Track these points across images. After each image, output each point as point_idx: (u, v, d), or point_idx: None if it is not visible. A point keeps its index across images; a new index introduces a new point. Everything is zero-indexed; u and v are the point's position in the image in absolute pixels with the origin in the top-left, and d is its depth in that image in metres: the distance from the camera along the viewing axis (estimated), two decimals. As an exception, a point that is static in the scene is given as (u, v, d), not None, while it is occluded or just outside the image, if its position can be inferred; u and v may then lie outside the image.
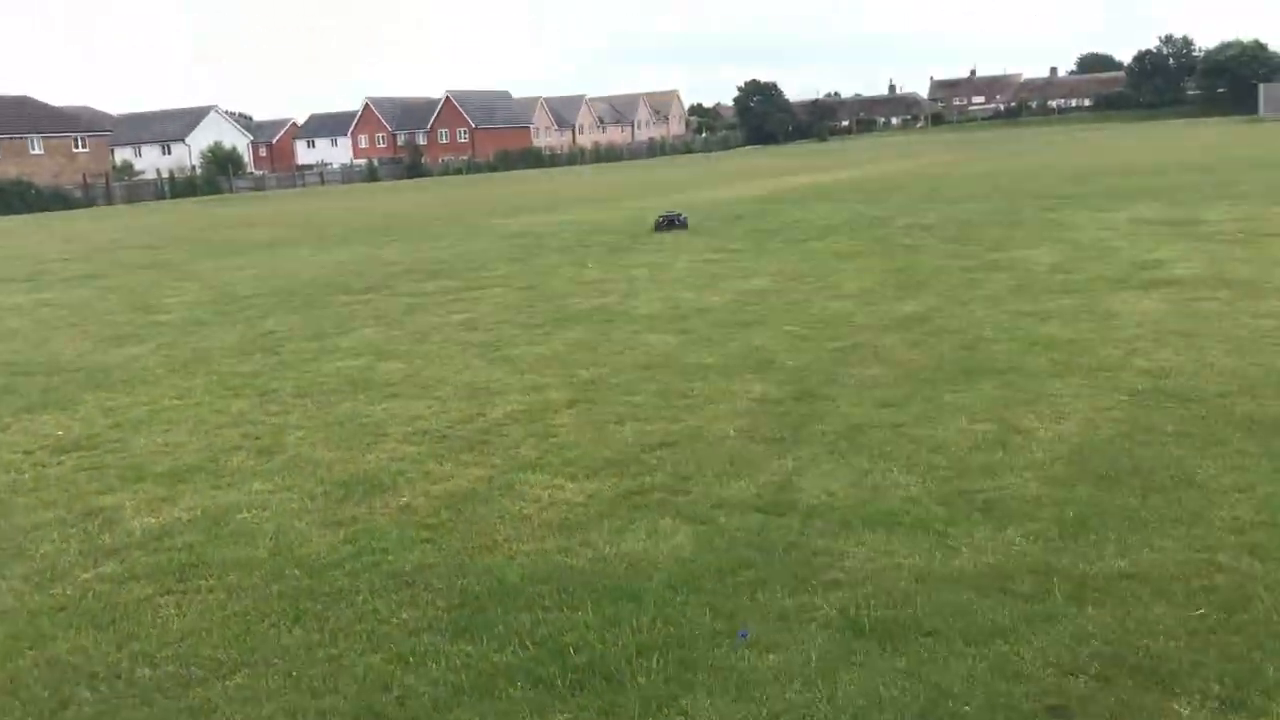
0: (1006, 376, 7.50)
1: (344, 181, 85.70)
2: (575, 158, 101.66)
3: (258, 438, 7.30)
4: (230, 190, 76.99)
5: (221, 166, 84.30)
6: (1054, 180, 26.10)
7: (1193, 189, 20.91)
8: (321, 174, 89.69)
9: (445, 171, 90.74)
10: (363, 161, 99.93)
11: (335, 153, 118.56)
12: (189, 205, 58.08)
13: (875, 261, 13.60)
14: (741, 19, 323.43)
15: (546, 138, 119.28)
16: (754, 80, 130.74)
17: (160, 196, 73.38)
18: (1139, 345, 8.19)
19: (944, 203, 21.38)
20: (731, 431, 6.64)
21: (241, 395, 8.62)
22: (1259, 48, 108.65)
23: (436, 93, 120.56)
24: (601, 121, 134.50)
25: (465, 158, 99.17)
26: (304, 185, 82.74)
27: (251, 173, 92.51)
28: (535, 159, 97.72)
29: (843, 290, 11.67)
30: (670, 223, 20.61)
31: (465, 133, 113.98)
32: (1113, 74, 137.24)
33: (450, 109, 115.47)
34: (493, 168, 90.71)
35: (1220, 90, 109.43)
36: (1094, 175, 26.98)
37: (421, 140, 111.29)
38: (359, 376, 9.02)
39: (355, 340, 10.70)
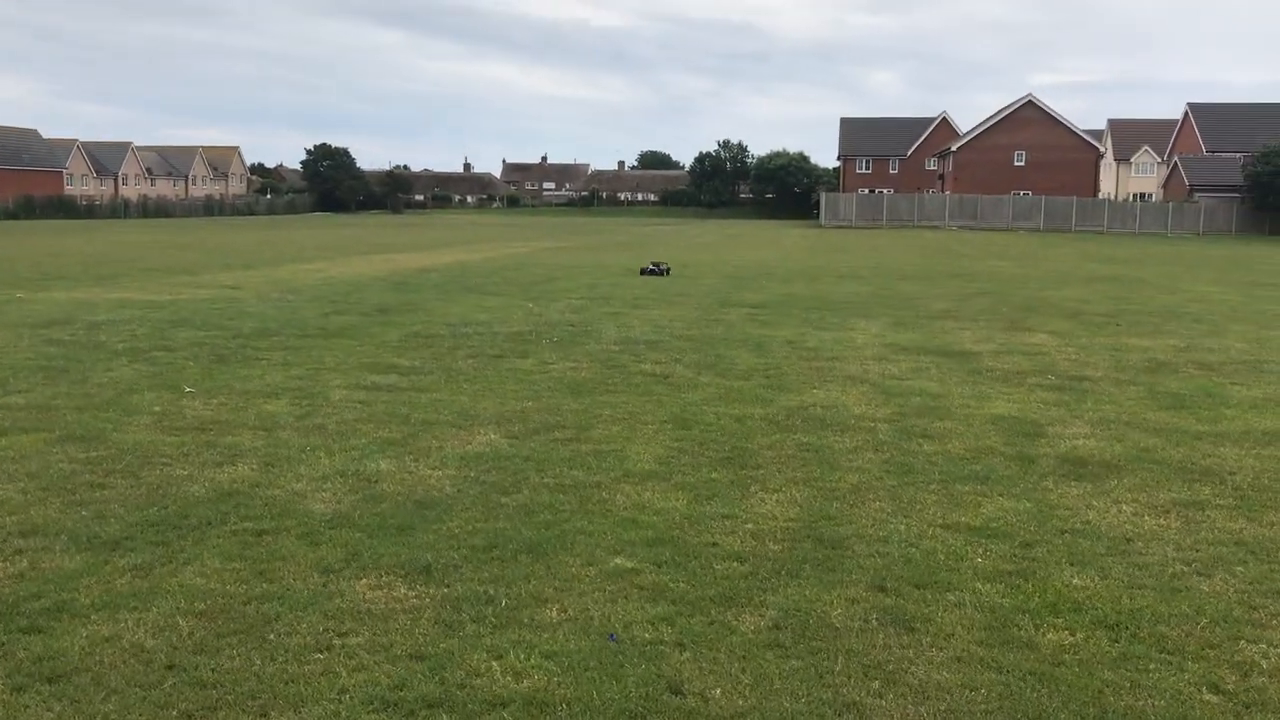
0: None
1: None
2: (118, 210, 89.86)
3: None
4: None
5: None
6: (714, 281, 23.60)
7: (882, 303, 18.95)
8: None
9: (-50, 216, 76.34)
10: None
11: None
12: None
13: (632, 402, 9.49)
14: (308, 83, 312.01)
15: (83, 186, 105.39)
16: (325, 144, 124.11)
17: None
18: (1263, 628, 4.68)
19: (625, 305, 17.81)
20: None
21: None
22: (803, 159, 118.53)
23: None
24: (150, 173, 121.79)
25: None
26: None
27: None
28: (69, 209, 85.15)
29: (631, 461, 7.42)
30: (654, 271, 24.54)
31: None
32: (676, 172, 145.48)
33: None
34: (13, 215, 77.52)
35: (769, 195, 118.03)
36: (747, 278, 24.86)
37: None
38: None
39: None
